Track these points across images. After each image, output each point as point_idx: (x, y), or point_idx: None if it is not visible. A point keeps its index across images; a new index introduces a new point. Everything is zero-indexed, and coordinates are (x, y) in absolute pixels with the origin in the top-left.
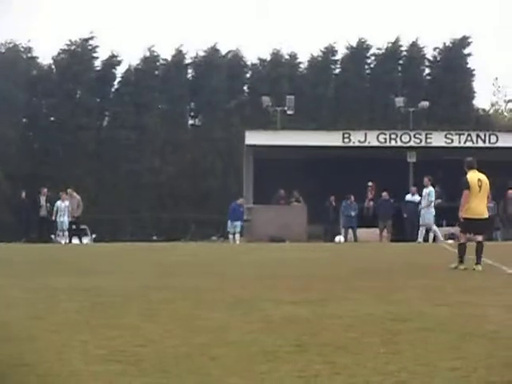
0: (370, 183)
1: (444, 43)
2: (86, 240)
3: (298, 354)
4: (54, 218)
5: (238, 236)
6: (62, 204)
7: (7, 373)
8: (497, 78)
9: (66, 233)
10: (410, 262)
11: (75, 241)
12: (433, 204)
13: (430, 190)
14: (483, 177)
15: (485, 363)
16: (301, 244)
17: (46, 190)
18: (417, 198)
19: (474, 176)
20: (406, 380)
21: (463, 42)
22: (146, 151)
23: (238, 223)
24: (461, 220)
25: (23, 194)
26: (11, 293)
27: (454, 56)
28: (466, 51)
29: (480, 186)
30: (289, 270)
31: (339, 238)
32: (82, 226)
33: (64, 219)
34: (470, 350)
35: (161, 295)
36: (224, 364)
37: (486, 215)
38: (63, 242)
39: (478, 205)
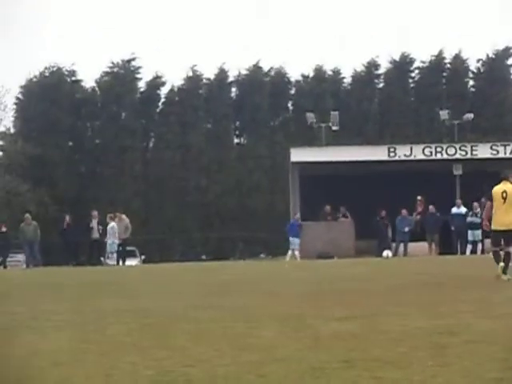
0: (418, 197)
1: (487, 54)
2: (134, 262)
3: (345, 370)
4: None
5: (297, 253)
6: (109, 226)
7: None
8: None
9: (115, 255)
10: (458, 274)
11: (126, 262)
12: None
13: None
14: (511, 188)
15: None
16: (349, 260)
17: (96, 212)
18: (463, 209)
19: (499, 188)
20: None
21: (506, 52)
22: (192, 170)
23: (295, 240)
24: (489, 231)
25: (67, 218)
26: (60, 316)
27: (498, 67)
28: (509, 62)
29: (505, 198)
30: (337, 286)
31: (387, 253)
32: (131, 248)
33: (112, 241)
34: None
35: (209, 314)
36: (273, 382)
37: None
38: (111, 263)
39: (503, 216)
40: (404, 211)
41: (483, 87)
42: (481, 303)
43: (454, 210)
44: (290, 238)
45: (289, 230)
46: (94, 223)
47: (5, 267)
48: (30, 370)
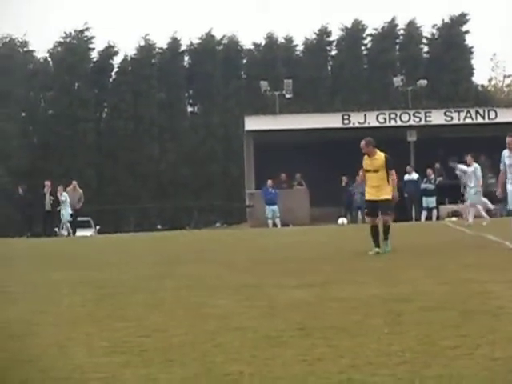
0: None
1: (443, 20)
2: (89, 232)
3: (301, 338)
4: (59, 210)
5: (277, 220)
6: (62, 197)
7: (10, 369)
8: (495, 54)
9: (68, 225)
10: (412, 241)
11: (80, 233)
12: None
13: (475, 167)
14: None
15: (488, 339)
16: (305, 227)
17: (49, 183)
18: (414, 176)
19: None
20: (409, 360)
21: (461, 18)
22: (145, 140)
23: (275, 207)
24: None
25: (20, 190)
26: (14, 288)
27: (453, 33)
28: (463, 28)
29: None
30: (292, 254)
31: (342, 221)
32: (86, 218)
33: (64, 212)
34: (473, 327)
35: (165, 284)
36: (228, 351)
37: None
38: (65, 234)
39: None
40: (358, 178)
41: (438, 53)
42: (435, 269)
43: (406, 176)
44: (267, 207)
45: (266, 197)
46: (47, 194)
47: None
48: None
